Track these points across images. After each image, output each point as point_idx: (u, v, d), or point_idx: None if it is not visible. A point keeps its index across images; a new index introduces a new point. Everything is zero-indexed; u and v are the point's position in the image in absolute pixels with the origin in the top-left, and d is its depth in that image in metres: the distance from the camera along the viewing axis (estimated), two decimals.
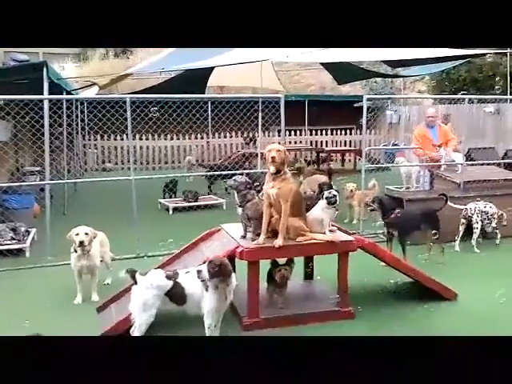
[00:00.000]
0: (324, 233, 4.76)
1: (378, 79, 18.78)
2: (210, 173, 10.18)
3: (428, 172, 8.92)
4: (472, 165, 8.93)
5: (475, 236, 7.08)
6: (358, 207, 8.39)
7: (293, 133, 17.63)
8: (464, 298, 5.21)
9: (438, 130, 9.04)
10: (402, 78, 18.01)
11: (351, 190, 8.57)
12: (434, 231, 6.53)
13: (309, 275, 5.60)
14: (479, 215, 7.11)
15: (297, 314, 4.74)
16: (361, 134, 13.03)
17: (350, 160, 16.79)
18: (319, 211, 4.84)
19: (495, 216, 7.17)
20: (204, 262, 4.19)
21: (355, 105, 16.08)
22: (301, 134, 17.87)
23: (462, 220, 7.18)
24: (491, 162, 8.87)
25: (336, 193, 4.90)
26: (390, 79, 18.67)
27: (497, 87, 16.04)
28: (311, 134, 18.01)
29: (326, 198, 4.84)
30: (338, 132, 18.38)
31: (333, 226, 5.00)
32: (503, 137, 13.09)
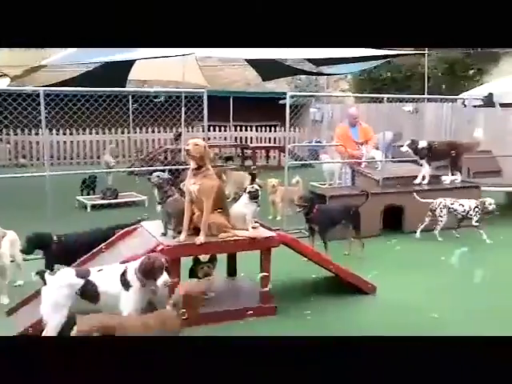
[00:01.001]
0: (247, 229, 4.71)
1: (303, 77, 19.04)
2: (131, 169, 9.90)
3: (350, 169, 9.09)
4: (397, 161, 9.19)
5: (438, 227, 7.40)
6: (281, 203, 8.40)
7: (217, 129, 17.54)
8: (384, 290, 5.32)
9: (359, 128, 9.24)
10: (325, 77, 18.32)
11: (273, 186, 8.58)
12: (354, 226, 6.65)
13: (232, 272, 5.53)
14: (442, 210, 7.41)
15: (219, 311, 4.67)
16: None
17: (274, 157, 16.91)
18: (241, 207, 4.78)
19: (471, 212, 7.34)
20: (124, 262, 4.05)
21: (280, 102, 16.18)
22: (225, 130, 17.80)
23: (429, 212, 7.51)
24: (410, 159, 9.11)
25: (258, 187, 4.86)
26: (314, 77, 18.95)
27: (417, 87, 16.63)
28: (236, 130, 17.97)
29: (249, 192, 4.80)
30: (263, 128, 18.44)
31: (255, 222, 4.96)
32: (422, 135, 13.54)
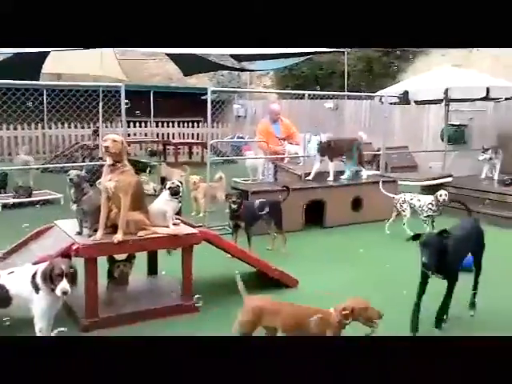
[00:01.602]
0: (167, 226, 4.60)
1: (225, 72, 18.97)
2: (46, 166, 9.47)
3: (272, 164, 9.14)
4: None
5: (404, 220, 7.44)
6: (204, 199, 8.31)
7: (138, 124, 17.16)
8: (306, 284, 5.37)
9: (280, 124, 9.30)
10: (248, 73, 18.36)
11: (194, 182, 8.48)
12: (275, 221, 6.67)
13: (153, 270, 5.39)
14: (402, 205, 7.52)
15: (139, 310, 4.53)
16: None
17: (197, 153, 16.78)
18: (162, 203, 4.66)
19: (424, 208, 7.36)
20: (36, 263, 3.83)
21: (202, 97, 16.06)
22: (146, 126, 17.44)
23: (394, 207, 7.64)
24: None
25: (179, 183, 4.75)
26: (236, 73, 18.93)
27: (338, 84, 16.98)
28: (157, 126, 17.66)
29: (169, 188, 4.68)
30: (186, 124, 18.23)
31: (177, 219, 4.85)
32: (342, 131, 13.87)
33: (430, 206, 7.31)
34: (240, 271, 5.54)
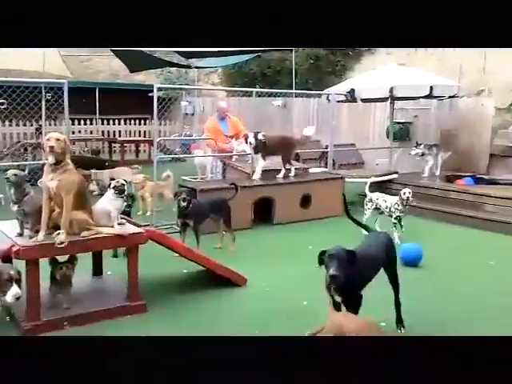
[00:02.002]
0: (112, 226, 4.49)
1: (173, 69, 18.76)
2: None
3: (220, 162, 9.10)
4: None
5: (363, 218, 7.22)
6: (151, 198, 8.19)
7: (82, 122, 16.75)
8: (255, 281, 5.37)
9: (228, 121, 9.27)
10: (196, 70, 18.21)
11: (139, 183, 8.34)
12: (224, 219, 6.64)
13: (98, 271, 5.27)
14: (367, 204, 7.43)
15: (84, 312, 4.41)
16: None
17: (144, 151, 16.55)
18: (106, 203, 4.55)
19: (392, 209, 7.13)
20: None
21: (149, 94, 15.80)
22: (91, 123, 17.04)
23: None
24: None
25: (124, 182, 4.65)
26: (184, 70, 18.75)
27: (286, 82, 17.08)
28: (103, 124, 17.29)
29: (114, 187, 4.57)
30: (132, 122, 17.91)
31: (122, 218, 4.75)
32: (290, 129, 13.95)
33: (396, 206, 7.08)
34: (188, 270, 5.56)
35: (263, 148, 8.09)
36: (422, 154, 9.90)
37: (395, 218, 7.10)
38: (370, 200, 7.46)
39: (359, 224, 4.81)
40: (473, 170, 10.31)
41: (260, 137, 8.05)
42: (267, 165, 8.26)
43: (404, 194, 7.02)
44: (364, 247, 4.10)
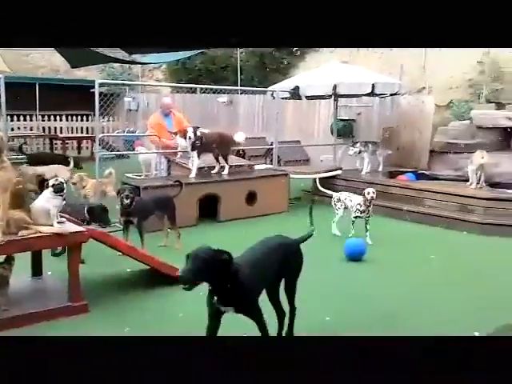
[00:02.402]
0: (51, 225, 4.36)
1: (116, 65, 18.38)
2: None
3: (165, 159, 8.99)
4: None
5: (335, 219, 7.23)
6: (94, 196, 8.00)
7: (22, 118, 16.20)
8: None
9: (172, 118, 9.17)
10: (140, 65, 17.92)
11: (76, 183, 8.10)
12: (169, 217, 6.57)
13: (37, 271, 5.10)
14: (336, 204, 7.27)
15: (23, 314, 4.26)
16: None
17: (87, 147, 16.18)
18: (44, 201, 4.40)
19: (354, 208, 7.05)
20: None
21: (92, 90, 15.43)
22: (31, 120, 16.50)
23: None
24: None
25: (62, 180, 4.52)
26: (128, 65, 18.42)
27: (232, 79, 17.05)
28: (43, 120, 16.77)
29: (52, 185, 4.43)
30: (74, 118, 17.46)
31: (61, 216, 4.61)
32: (236, 126, 13.95)
33: (358, 206, 7.00)
34: (131, 268, 5.46)
35: (200, 145, 8.04)
36: (359, 152, 10.10)
37: (354, 217, 7.05)
38: (339, 200, 7.32)
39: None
40: (415, 165, 10.58)
41: (199, 133, 8.00)
42: (201, 163, 8.24)
43: (368, 193, 6.89)
44: (253, 252, 3.79)
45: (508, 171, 9.11)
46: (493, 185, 8.88)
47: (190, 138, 7.92)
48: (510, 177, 9.02)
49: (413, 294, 5.20)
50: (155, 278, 5.19)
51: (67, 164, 9.23)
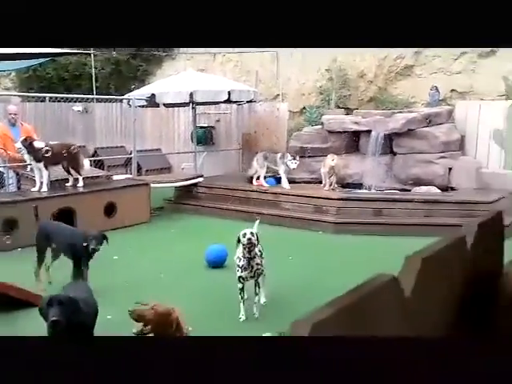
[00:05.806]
0: None
1: None
2: None
3: (14, 173, 8.42)
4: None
5: None
6: None
7: None
8: None
9: (20, 128, 8.61)
10: None
11: None
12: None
13: None
14: None
15: None
16: None
17: None
18: None
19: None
20: None
21: None
22: None
23: None
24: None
25: None
26: None
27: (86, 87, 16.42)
28: None
29: None
30: None
31: None
32: (93, 135, 13.47)
33: (237, 261, 4.92)
34: None
35: (46, 157, 7.66)
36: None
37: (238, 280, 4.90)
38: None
39: None
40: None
41: (38, 144, 7.62)
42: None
43: (244, 236, 4.76)
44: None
45: (356, 172, 9.72)
46: (344, 186, 9.43)
47: (20, 148, 7.57)
48: (358, 177, 9.64)
49: (272, 295, 5.33)
50: (4, 301, 4.83)
51: None
